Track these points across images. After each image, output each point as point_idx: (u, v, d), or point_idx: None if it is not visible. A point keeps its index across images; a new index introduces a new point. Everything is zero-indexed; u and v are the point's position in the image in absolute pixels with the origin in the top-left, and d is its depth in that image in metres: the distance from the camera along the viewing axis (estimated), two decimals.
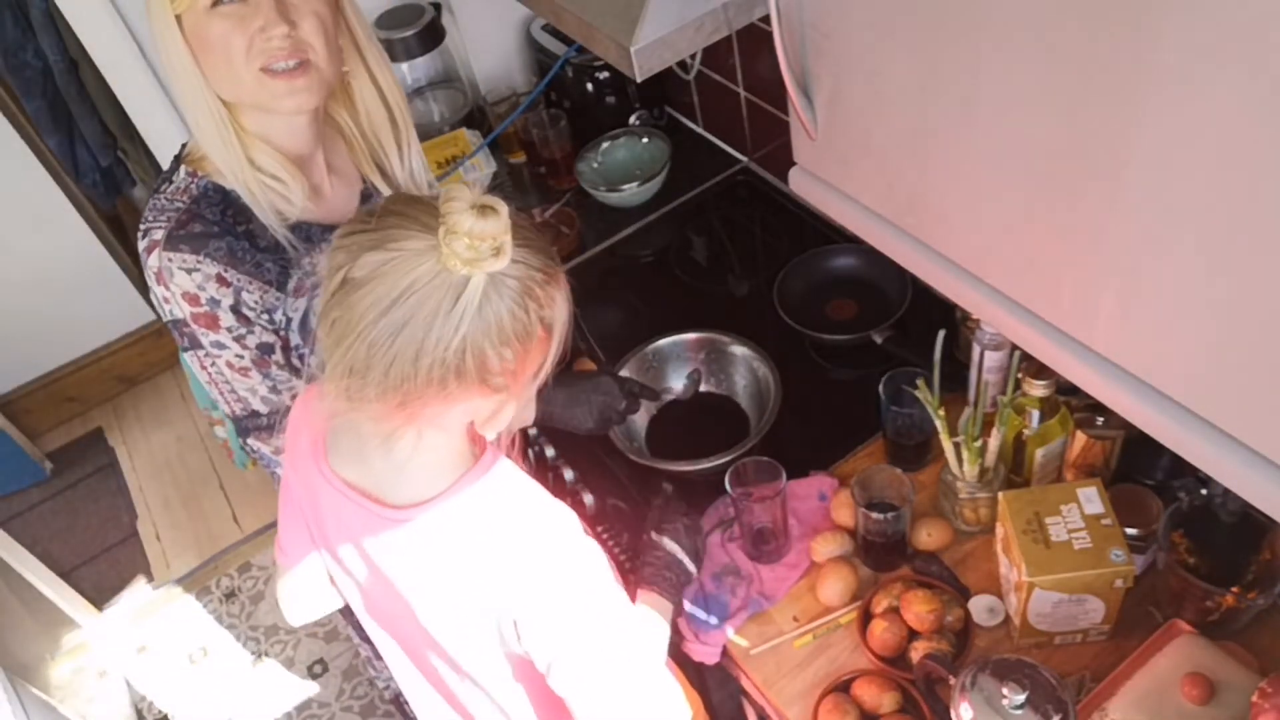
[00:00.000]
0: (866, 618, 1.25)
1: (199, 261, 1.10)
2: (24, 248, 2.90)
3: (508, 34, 2.15)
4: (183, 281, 1.11)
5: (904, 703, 1.18)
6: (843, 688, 1.21)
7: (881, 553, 1.30)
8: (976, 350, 1.30)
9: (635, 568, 1.21)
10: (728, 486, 1.29)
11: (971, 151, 0.78)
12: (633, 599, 1.13)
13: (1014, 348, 1.24)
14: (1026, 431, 1.25)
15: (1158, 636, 1.12)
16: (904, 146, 0.86)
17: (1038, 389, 1.22)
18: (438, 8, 2.00)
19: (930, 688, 1.16)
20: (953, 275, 0.89)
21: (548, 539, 0.92)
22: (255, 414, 1.19)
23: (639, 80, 1.05)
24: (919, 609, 1.21)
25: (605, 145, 2.01)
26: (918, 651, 1.18)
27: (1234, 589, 1.09)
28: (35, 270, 2.94)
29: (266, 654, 2.56)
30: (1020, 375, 1.22)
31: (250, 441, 1.22)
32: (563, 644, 0.94)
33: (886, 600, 1.25)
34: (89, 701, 2.57)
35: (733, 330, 1.57)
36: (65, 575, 2.66)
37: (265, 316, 1.16)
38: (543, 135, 1.96)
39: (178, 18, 1.04)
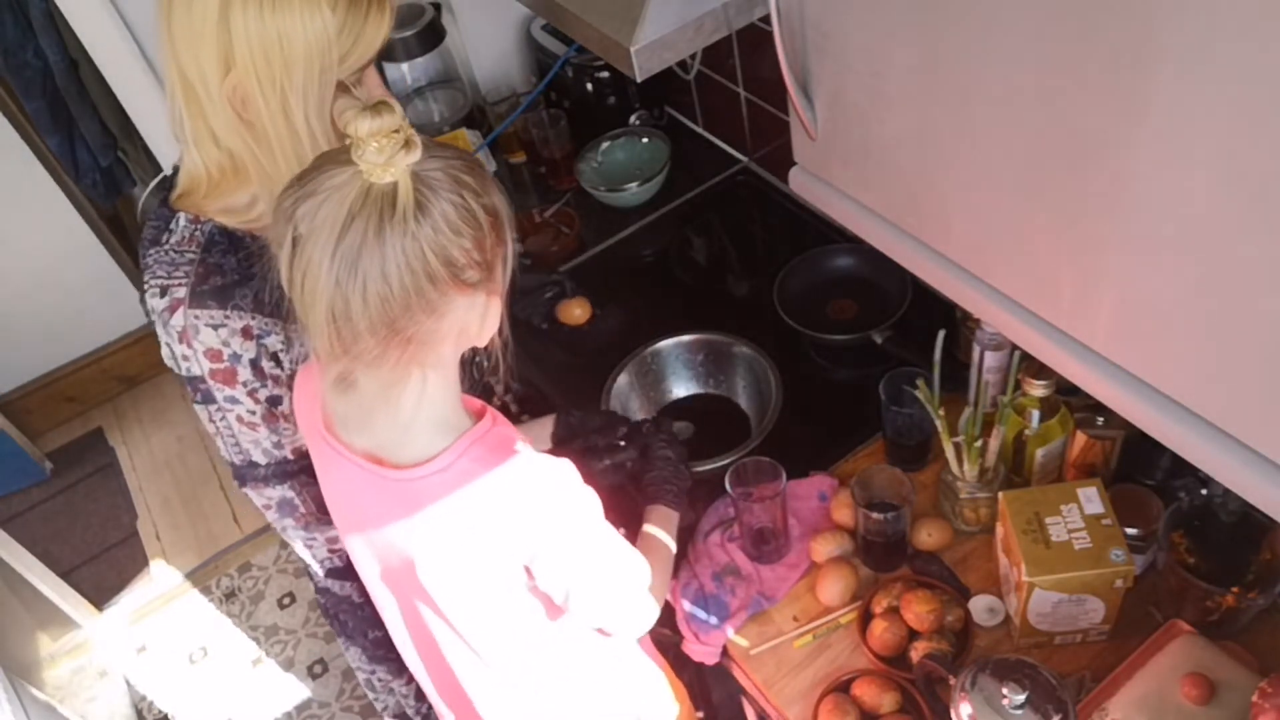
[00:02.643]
0: (866, 618, 1.25)
1: (226, 316, 1.10)
2: (24, 248, 2.90)
3: (508, 34, 2.15)
4: (208, 338, 1.10)
5: (904, 703, 1.18)
6: (843, 688, 1.21)
7: (881, 553, 1.30)
8: (976, 350, 1.30)
9: (638, 488, 1.29)
10: (728, 486, 1.29)
11: (972, 151, 0.78)
12: (641, 513, 1.24)
13: (1014, 348, 1.24)
14: (1026, 431, 1.25)
15: (1158, 636, 1.12)
16: (904, 146, 0.86)
17: (1038, 389, 1.22)
18: (438, 8, 2.00)
19: (930, 688, 1.16)
20: (953, 275, 0.89)
21: (555, 483, 0.96)
22: (254, 464, 1.20)
23: (639, 80, 1.05)
24: (919, 609, 1.21)
25: (605, 145, 2.01)
26: (918, 651, 1.18)
27: (1234, 589, 1.09)
28: (35, 270, 2.94)
29: (266, 654, 2.56)
30: (1020, 375, 1.22)
31: (247, 490, 1.23)
32: (577, 572, 1.00)
33: (886, 600, 1.25)
34: (89, 701, 2.57)
35: (733, 330, 1.57)
36: (65, 575, 2.66)
37: (288, 355, 1.16)
38: (543, 135, 1.96)
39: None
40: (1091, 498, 1.14)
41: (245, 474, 1.20)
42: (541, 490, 0.95)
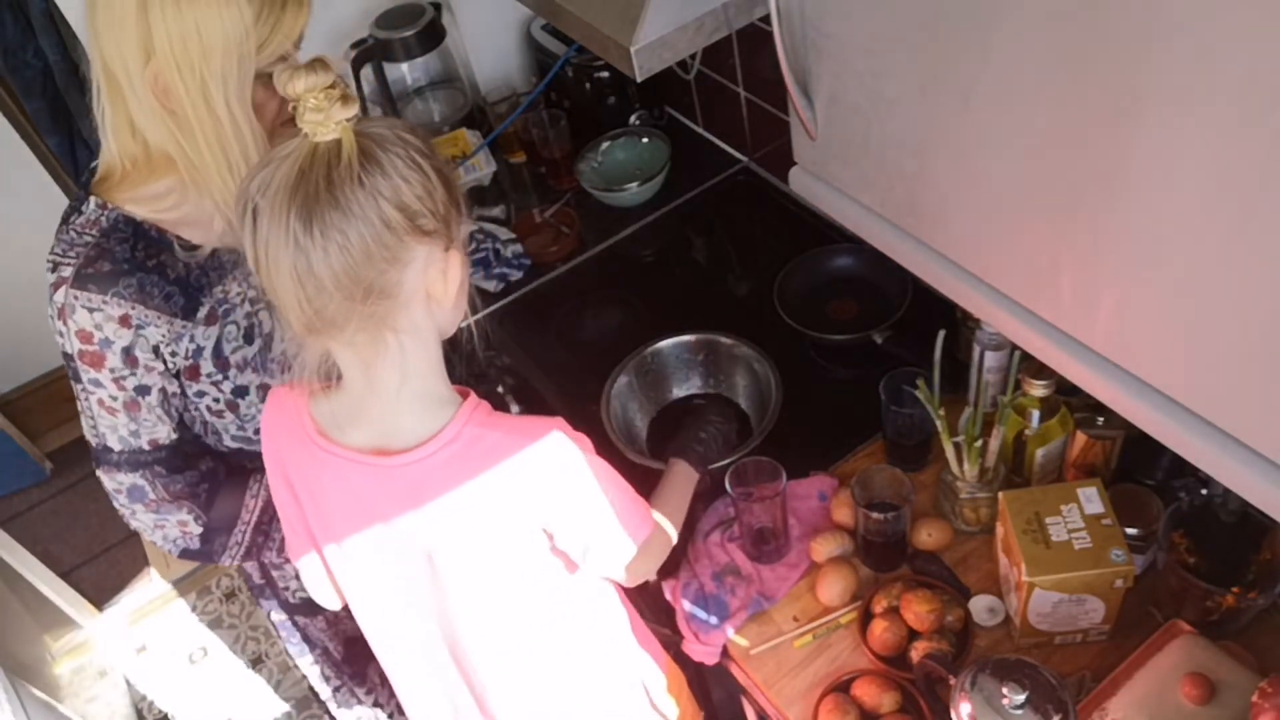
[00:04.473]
0: (866, 618, 1.25)
1: (104, 302, 1.13)
2: (24, 247, 2.89)
3: (508, 34, 2.15)
4: (82, 319, 1.13)
5: (904, 703, 1.18)
6: (843, 688, 1.21)
7: (881, 553, 1.30)
8: (976, 350, 1.30)
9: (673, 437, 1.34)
10: (728, 486, 1.29)
11: (972, 152, 0.78)
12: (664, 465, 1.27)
13: (1014, 348, 1.24)
14: (1026, 431, 1.25)
15: (1158, 636, 1.12)
16: (904, 146, 0.86)
17: (1038, 389, 1.22)
18: (438, 8, 2.00)
19: (930, 688, 1.16)
20: (953, 275, 0.89)
21: (557, 436, 0.98)
22: (108, 449, 1.22)
23: (639, 80, 1.05)
24: (919, 609, 1.21)
25: (605, 145, 2.01)
26: (918, 651, 1.18)
27: (1234, 589, 1.09)
28: (35, 270, 2.93)
29: (266, 654, 2.56)
30: (1020, 375, 1.22)
31: (99, 472, 1.25)
32: (593, 525, 1.03)
33: (886, 600, 1.25)
34: (89, 701, 2.57)
35: (733, 331, 1.57)
36: (65, 575, 2.66)
37: (170, 348, 1.18)
38: (543, 135, 1.96)
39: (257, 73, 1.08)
40: (1091, 498, 1.14)
41: (100, 457, 1.23)
42: (547, 446, 0.97)
